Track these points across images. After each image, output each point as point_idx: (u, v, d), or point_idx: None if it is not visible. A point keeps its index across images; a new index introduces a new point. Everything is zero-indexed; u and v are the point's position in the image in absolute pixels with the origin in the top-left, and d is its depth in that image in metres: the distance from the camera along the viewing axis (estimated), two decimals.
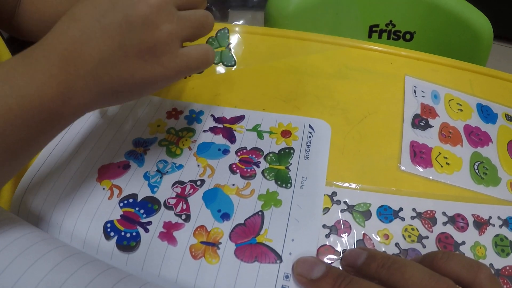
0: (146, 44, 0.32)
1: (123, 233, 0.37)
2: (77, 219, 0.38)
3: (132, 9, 0.32)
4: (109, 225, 0.37)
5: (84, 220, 0.37)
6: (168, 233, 0.37)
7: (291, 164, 0.42)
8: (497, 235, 0.40)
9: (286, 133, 0.45)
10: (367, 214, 0.40)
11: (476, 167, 0.46)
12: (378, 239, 0.38)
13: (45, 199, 0.39)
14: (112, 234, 0.37)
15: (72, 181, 0.40)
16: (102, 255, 0.36)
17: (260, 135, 0.45)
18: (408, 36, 0.86)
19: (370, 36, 0.87)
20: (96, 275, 0.31)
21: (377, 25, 0.86)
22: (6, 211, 0.37)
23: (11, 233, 0.33)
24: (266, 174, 0.41)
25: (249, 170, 0.42)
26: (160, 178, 0.41)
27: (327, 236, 0.38)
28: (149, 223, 0.38)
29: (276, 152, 0.43)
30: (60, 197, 0.39)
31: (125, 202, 0.39)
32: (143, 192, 0.40)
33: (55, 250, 0.32)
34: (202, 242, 0.36)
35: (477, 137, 0.48)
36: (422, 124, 0.49)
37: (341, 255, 0.37)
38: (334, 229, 0.39)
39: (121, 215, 0.38)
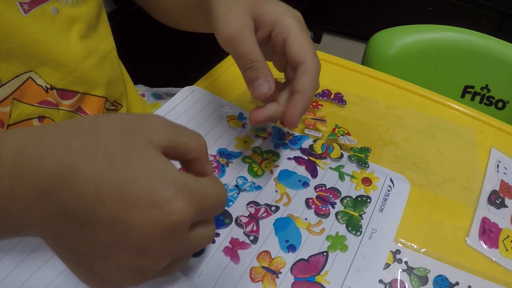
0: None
1: None
2: None
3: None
4: None
5: None
6: (233, 250, 0.38)
7: (365, 213, 0.42)
8: None
9: (366, 181, 0.45)
10: (424, 280, 0.40)
11: None
12: None
13: None
14: None
15: None
16: None
17: (341, 176, 0.46)
18: (500, 104, 0.84)
19: (463, 96, 0.86)
20: None
21: (472, 87, 0.84)
22: None
23: None
24: (339, 217, 0.42)
25: (324, 209, 0.42)
26: (237, 194, 0.42)
27: None
28: (217, 234, 0.39)
29: (354, 197, 0.44)
30: None
31: None
32: None
33: None
34: (263, 267, 0.37)
35: None
36: (498, 202, 0.48)
37: None
38: (390, 287, 0.39)
39: None
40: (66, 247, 0.26)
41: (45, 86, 0.42)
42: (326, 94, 0.58)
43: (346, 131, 0.51)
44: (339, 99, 0.57)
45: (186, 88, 0.51)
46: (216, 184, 0.30)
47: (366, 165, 0.47)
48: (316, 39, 2.30)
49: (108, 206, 0.24)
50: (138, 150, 0.26)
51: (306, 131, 0.51)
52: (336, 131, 0.51)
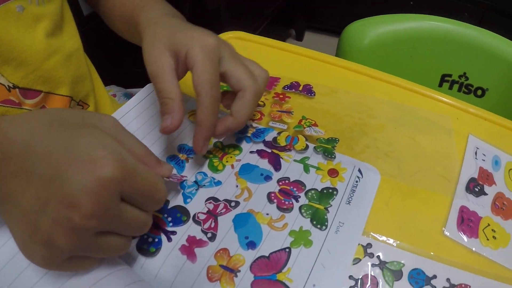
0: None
1: (145, 237, 0.36)
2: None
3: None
4: None
5: None
6: (189, 248, 0.36)
7: (331, 205, 0.40)
8: None
9: (333, 172, 0.43)
10: (398, 274, 0.38)
11: None
12: None
13: None
14: None
15: None
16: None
17: (306, 168, 0.44)
18: (479, 92, 0.83)
19: (440, 85, 0.84)
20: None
21: (450, 75, 0.83)
22: None
23: None
24: (303, 211, 0.40)
25: (287, 203, 0.40)
26: (196, 190, 0.41)
27: None
28: (174, 232, 0.37)
29: (319, 190, 0.42)
30: None
31: None
32: (175, 199, 0.39)
33: None
34: (221, 266, 0.35)
35: None
36: (477, 189, 0.46)
37: None
38: (361, 283, 0.37)
39: None
40: (13, 207, 0.29)
41: (8, 85, 0.43)
42: (294, 86, 0.56)
43: (313, 122, 0.50)
44: (308, 91, 0.55)
45: (149, 85, 0.50)
46: (157, 178, 0.32)
47: (333, 156, 0.45)
48: (298, 36, 2.33)
49: (53, 162, 0.28)
50: (88, 127, 0.31)
51: (270, 123, 0.49)
52: (302, 123, 0.50)
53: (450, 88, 0.85)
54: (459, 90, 0.85)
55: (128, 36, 0.56)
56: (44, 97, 0.46)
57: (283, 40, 2.28)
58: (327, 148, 0.46)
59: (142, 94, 0.49)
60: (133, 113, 0.47)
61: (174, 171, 0.41)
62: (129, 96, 0.71)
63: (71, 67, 0.50)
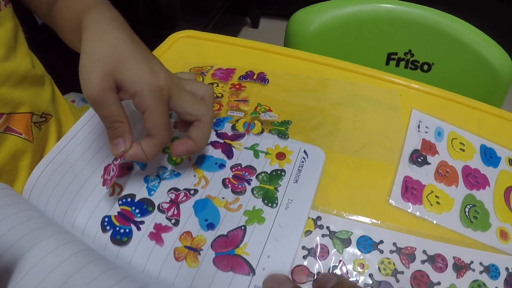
0: None
1: (118, 228, 0.41)
2: (80, 210, 0.42)
3: None
4: (106, 219, 0.41)
5: (85, 212, 0.42)
6: (157, 234, 0.40)
7: (280, 185, 0.45)
8: (475, 281, 0.41)
9: (280, 155, 0.48)
10: (347, 242, 0.42)
11: (467, 210, 0.46)
12: (353, 267, 0.40)
13: (53, 190, 0.43)
14: (108, 227, 0.41)
15: (79, 176, 0.45)
16: (97, 246, 0.40)
17: (256, 154, 0.48)
18: (426, 67, 0.86)
19: (387, 63, 0.87)
20: (101, 272, 0.35)
21: (396, 53, 0.86)
22: (18, 196, 0.42)
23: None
24: (255, 192, 0.44)
25: (240, 186, 0.45)
26: (158, 183, 0.45)
27: (304, 257, 0.40)
28: (142, 222, 0.41)
29: (268, 172, 0.46)
30: (67, 189, 0.43)
31: (124, 200, 0.43)
32: (141, 193, 0.44)
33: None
34: (185, 246, 0.40)
35: (474, 180, 0.49)
36: (420, 160, 0.50)
37: (314, 277, 0.39)
38: (312, 252, 0.41)
39: (118, 212, 0.42)
40: None
41: None
42: (249, 75, 0.61)
43: (268, 108, 0.55)
44: (262, 79, 0.60)
45: None
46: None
47: (286, 136, 0.50)
48: (254, 24, 2.35)
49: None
50: None
51: (229, 112, 0.54)
52: (258, 109, 0.54)
53: (397, 65, 0.88)
54: (405, 67, 0.88)
55: (78, 46, 0.53)
56: (7, 118, 0.48)
57: (239, 29, 2.32)
58: (281, 130, 0.51)
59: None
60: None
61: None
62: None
63: (27, 86, 0.51)
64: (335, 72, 0.62)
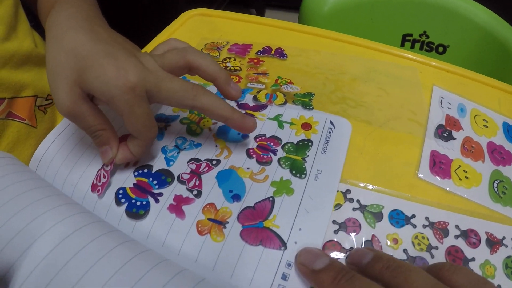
0: None
1: (133, 201, 0.37)
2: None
3: None
4: (121, 191, 0.38)
5: None
6: (177, 206, 0.37)
7: (308, 156, 0.42)
8: (509, 257, 0.39)
9: (306, 126, 0.45)
10: (378, 216, 0.40)
11: (495, 185, 0.45)
12: (387, 242, 0.38)
13: (64, 159, 0.40)
14: (123, 200, 0.37)
15: (92, 146, 0.41)
16: (111, 219, 0.37)
17: (280, 124, 0.45)
18: (441, 49, 0.85)
19: (402, 45, 0.87)
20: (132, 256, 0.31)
21: (411, 35, 0.85)
22: (31, 171, 0.39)
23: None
24: (282, 163, 0.41)
25: (265, 157, 0.42)
26: (177, 153, 0.42)
27: (336, 232, 0.38)
28: (160, 194, 0.38)
29: (295, 142, 0.43)
30: (78, 160, 0.40)
31: (140, 171, 0.40)
32: (158, 164, 0.40)
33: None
34: (209, 219, 0.36)
35: (500, 156, 0.47)
36: (445, 135, 0.48)
37: (347, 253, 0.36)
38: (344, 226, 0.38)
39: (134, 184, 0.39)
40: None
41: None
42: (267, 50, 0.59)
43: (289, 81, 0.52)
44: (280, 54, 0.58)
45: None
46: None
47: (311, 107, 0.48)
48: (259, 15, 2.32)
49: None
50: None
51: (249, 84, 0.51)
52: (278, 82, 0.52)
53: (412, 47, 0.87)
54: (421, 49, 0.87)
55: None
56: (9, 103, 0.45)
57: None
58: (305, 101, 0.49)
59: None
60: None
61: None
62: None
63: (30, 67, 0.49)
64: (353, 49, 0.60)
